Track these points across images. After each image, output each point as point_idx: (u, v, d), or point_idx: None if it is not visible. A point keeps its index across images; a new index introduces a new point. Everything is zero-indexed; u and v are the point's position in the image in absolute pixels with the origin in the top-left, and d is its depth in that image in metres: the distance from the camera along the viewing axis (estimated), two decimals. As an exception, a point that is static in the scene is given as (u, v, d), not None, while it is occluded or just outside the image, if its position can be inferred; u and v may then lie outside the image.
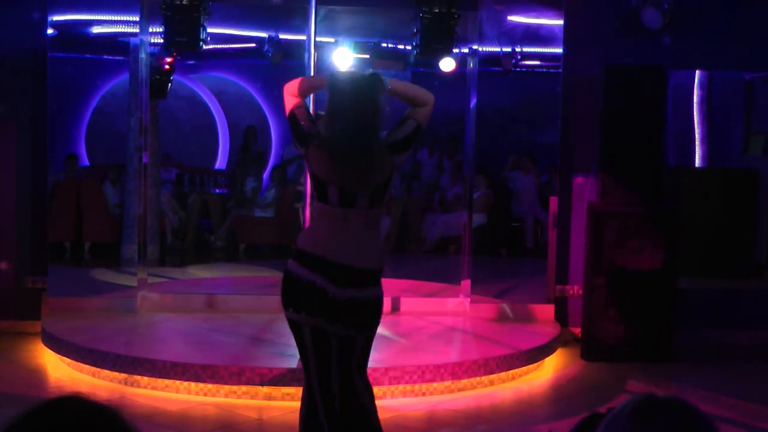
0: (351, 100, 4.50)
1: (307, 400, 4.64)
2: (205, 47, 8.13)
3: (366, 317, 4.56)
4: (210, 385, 6.48)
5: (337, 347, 4.49)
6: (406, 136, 4.64)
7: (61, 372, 7.10)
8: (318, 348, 4.49)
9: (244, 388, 6.44)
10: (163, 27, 7.98)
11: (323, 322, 4.44)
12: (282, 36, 9.88)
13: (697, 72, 8.51)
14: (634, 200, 7.79)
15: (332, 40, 9.55)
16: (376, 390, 6.38)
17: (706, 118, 8.49)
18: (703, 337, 8.33)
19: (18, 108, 8.16)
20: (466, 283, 8.41)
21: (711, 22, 8.39)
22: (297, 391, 6.37)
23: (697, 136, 8.51)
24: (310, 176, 4.62)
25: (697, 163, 8.59)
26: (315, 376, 4.52)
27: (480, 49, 8.35)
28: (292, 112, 4.68)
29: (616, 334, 7.73)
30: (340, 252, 4.43)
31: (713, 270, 9.10)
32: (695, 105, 8.47)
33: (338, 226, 4.49)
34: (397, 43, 9.96)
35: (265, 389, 6.44)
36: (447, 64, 8.46)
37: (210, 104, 13.98)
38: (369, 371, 6.38)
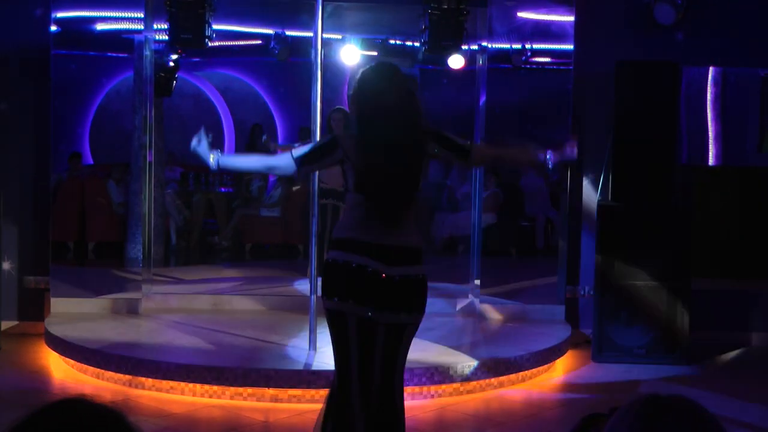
0: (373, 89, 4.51)
1: (338, 397, 4.49)
2: (210, 44, 8.07)
3: (417, 297, 4.53)
4: (215, 387, 6.42)
5: (383, 337, 4.45)
6: (453, 144, 4.64)
7: (64, 373, 7.05)
8: (363, 339, 4.41)
9: (250, 390, 6.37)
10: (167, 24, 7.93)
11: (372, 310, 4.38)
12: (288, 33, 9.79)
13: (711, 68, 8.40)
14: (646, 199, 7.70)
15: (339, 36, 9.47)
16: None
17: (720, 116, 8.38)
18: (717, 340, 8.25)
19: (21, 106, 8.11)
20: (476, 284, 8.34)
21: (725, 17, 8.32)
22: (304, 393, 6.30)
23: (710, 133, 8.40)
24: (348, 169, 4.52)
25: (711, 161, 8.46)
26: (356, 369, 4.42)
27: (489, 45, 8.27)
28: (298, 158, 4.54)
29: (628, 335, 7.67)
30: (384, 234, 4.41)
31: (727, 271, 8.99)
32: (709, 102, 8.36)
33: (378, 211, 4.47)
34: (405, 40, 9.87)
35: (272, 391, 6.37)
36: (456, 61, 8.38)
37: (215, 102, 13.90)
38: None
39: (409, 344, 4.64)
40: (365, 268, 4.36)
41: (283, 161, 4.59)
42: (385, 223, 4.44)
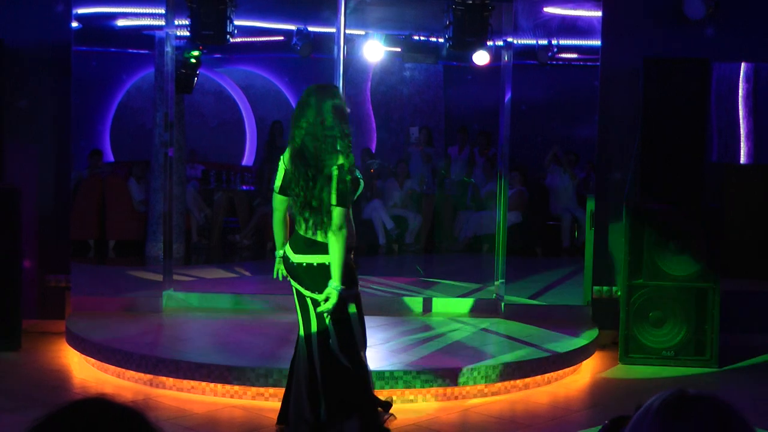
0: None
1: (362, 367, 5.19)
2: (232, 40, 8.04)
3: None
4: (236, 387, 6.37)
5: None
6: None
7: (85, 372, 7.01)
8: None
9: (271, 390, 6.31)
10: (189, 20, 7.90)
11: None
12: (311, 28, 9.74)
13: (743, 64, 8.27)
14: (675, 198, 7.61)
15: (362, 32, 9.41)
16: (407, 393, 6.27)
17: (751, 113, 8.25)
18: (748, 342, 8.13)
19: (42, 102, 8.07)
20: (500, 284, 8.25)
21: (757, 11, 8.22)
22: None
23: (742, 131, 8.27)
24: None
25: (742, 159, 8.33)
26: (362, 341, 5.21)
27: (515, 41, 8.17)
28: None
29: (657, 337, 7.58)
30: None
31: (758, 272, 8.87)
32: (740, 99, 8.24)
33: None
34: (429, 36, 9.81)
35: (293, 392, 6.27)
36: (481, 58, 8.31)
37: (237, 99, 13.87)
38: (399, 374, 6.28)
39: None
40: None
41: None
42: None
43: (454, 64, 12.02)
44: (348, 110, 5.16)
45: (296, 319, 5.28)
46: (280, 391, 6.26)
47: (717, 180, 8.22)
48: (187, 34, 8.06)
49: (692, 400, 1.72)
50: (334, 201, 4.96)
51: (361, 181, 5.21)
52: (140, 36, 8.33)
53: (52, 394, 6.38)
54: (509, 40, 8.23)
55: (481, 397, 6.57)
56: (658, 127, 7.63)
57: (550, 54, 8.19)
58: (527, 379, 6.81)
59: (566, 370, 7.14)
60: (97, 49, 8.29)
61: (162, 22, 8.08)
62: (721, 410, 1.71)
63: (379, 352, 6.83)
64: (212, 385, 6.39)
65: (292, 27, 9.88)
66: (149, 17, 8.17)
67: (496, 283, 8.39)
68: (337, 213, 4.96)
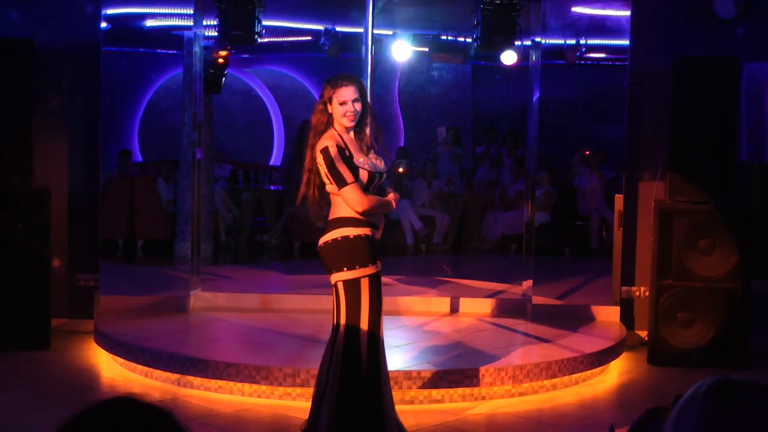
0: None
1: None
2: (260, 40, 8.05)
3: None
4: (264, 387, 6.36)
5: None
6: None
7: (113, 371, 7.04)
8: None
9: (299, 389, 6.30)
10: (217, 20, 7.92)
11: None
12: (339, 28, 9.75)
13: (774, 64, 8.24)
14: (704, 198, 7.54)
15: (390, 32, 9.42)
16: (434, 393, 6.26)
17: (781, 113, 8.21)
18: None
19: (71, 102, 8.12)
20: (528, 284, 8.22)
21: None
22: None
23: (772, 131, 8.23)
24: None
25: (773, 159, 8.31)
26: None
27: (543, 41, 8.13)
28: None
29: (685, 338, 7.52)
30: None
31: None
32: (770, 99, 8.19)
33: None
34: (457, 36, 9.80)
35: (321, 392, 6.27)
36: (509, 57, 8.28)
37: (265, 99, 13.91)
38: (426, 374, 6.26)
39: None
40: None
41: None
42: None
43: (482, 64, 11.99)
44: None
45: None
46: (308, 391, 6.26)
47: (747, 180, 8.15)
48: (216, 34, 8.08)
49: (738, 384, 1.75)
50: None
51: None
52: (169, 36, 8.36)
53: (81, 393, 6.40)
54: (537, 39, 8.20)
55: (508, 397, 6.53)
56: (688, 126, 7.57)
57: (578, 54, 8.15)
58: (554, 380, 6.77)
59: (594, 370, 7.09)
60: (126, 49, 8.33)
61: (190, 23, 8.10)
62: (766, 394, 1.73)
63: (407, 352, 6.83)
64: (240, 384, 6.39)
65: (320, 27, 9.91)
66: (178, 17, 8.20)
67: (523, 283, 8.36)
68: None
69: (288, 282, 9.72)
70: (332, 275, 5.07)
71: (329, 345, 5.11)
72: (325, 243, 5.09)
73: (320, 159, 5.01)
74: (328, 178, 5.02)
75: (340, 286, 5.04)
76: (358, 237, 5.03)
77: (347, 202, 5.02)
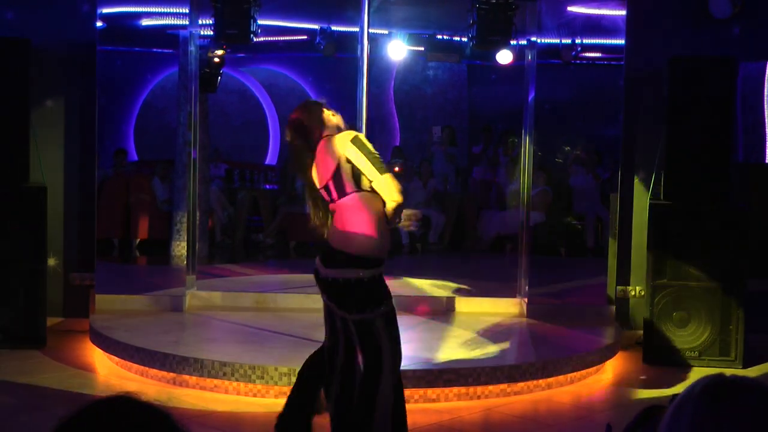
0: None
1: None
2: (255, 39, 8.04)
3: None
4: (259, 386, 6.37)
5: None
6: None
7: (109, 370, 7.04)
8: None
9: (294, 389, 6.27)
10: (213, 19, 7.93)
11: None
12: (334, 28, 9.75)
13: (770, 63, 8.23)
14: (700, 198, 7.55)
15: (386, 32, 9.41)
16: (429, 392, 6.25)
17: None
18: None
19: (66, 102, 8.11)
20: (524, 283, 8.22)
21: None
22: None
23: (767, 131, 8.22)
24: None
25: (768, 159, 8.31)
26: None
27: (539, 40, 8.14)
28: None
29: (681, 337, 7.52)
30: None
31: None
32: (766, 98, 8.18)
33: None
34: (452, 35, 9.79)
35: (316, 391, 6.27)
36: (504, 57, 8.28)
37: (260, 98, 13.90)
38: (421, 373, 6.25)
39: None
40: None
41: None
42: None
43: (478, 63, 11.97)
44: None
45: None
46: (303, 390, 6.28)
47: (743, 180, 8.15)
48: (211, 33, 8.08)
49: (733, 384, 1.75)
50: None
51: None
52: (164, 35, 8.35)
53: (76, 393, 6.39)
54: (533, 39, 8.20)
55: (503, 396, 6.54)
56: (684, 126, 7.58)
57: (574, 53, 8.15)
58: (550, 379, 6.78)
59: (589, 370, 7.10)
60: (122, 48, 8.32)
61: (186, 22, 8.10)
62: (761, 393, 1.73)
63: (402, 351, 6.82)
64: (235, 383, 6.40)
65: (315, 26, 9.90)
66: (173, 17, 8.19)
67: (519, 282, 8.36)
68: None
69: (283, 281, 9.71)
70: (339, 311, 4.79)
71: (343, 378, 4.85)
72: (335, 280, 4.74)
73: (352, 150, 4.64)
74: (366, 167, 4.64)
75: (350, 323, 4.77)
76: (372, 279, 4.74)
77: (387, 188, 4.66)
